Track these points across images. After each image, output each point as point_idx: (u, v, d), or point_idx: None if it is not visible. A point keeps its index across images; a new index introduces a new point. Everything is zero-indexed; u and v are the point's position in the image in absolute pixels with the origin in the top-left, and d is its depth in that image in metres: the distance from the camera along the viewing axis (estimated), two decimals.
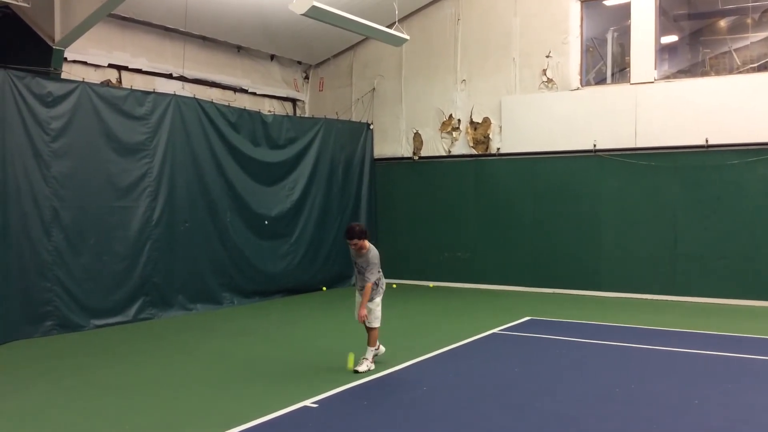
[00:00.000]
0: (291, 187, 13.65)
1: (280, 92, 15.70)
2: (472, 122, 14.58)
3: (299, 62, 16.10)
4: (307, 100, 16.45)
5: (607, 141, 13.15)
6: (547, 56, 13.77)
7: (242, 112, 12.82)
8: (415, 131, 15.27)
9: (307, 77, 16.44)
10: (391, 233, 15.40)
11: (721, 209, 12.28)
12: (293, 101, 16.24)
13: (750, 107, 12.02)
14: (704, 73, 13.51)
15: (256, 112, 13.22)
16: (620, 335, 9.52)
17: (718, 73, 13.31)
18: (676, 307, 11.91)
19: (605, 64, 14.27)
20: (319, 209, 14.15)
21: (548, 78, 13.79)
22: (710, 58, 14.00)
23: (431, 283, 14.82)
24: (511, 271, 14.07)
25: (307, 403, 6.25)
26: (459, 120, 14.75)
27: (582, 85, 13.63)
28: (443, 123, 14.92)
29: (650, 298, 12.69)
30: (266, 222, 13.02)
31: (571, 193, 13.53)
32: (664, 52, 13.92)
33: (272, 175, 13.25)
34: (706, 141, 12.31)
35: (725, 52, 13.85)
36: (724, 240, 12.23)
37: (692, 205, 12.51)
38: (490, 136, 14.38)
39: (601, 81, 14.19)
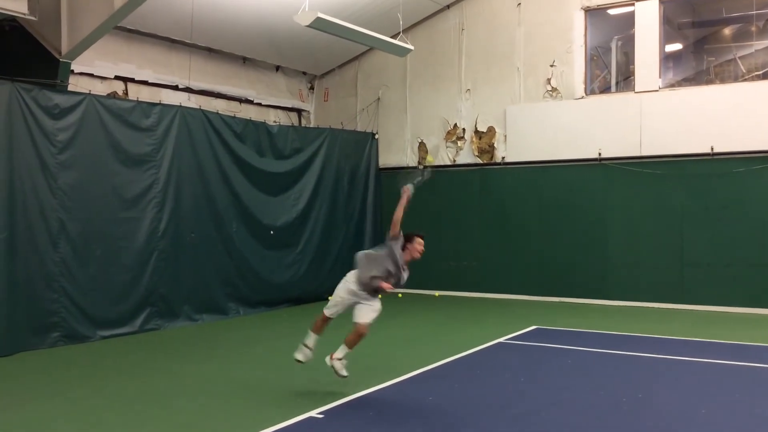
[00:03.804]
0: (296, 197, 13.68)
1: (285, 103, 15.75)
2: (476, 131, 14.60)
3: (304, 73, 16.17)
4: (312, 111, 16.50)
5: (612, 149, 13.13)
6: (552, 65, 13.79)
7: (248, 122, 12.87)
8: (420, 140, 15.30)
9: (312, 87, 16.50)
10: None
11: (728, 217, 12.24)
12: (298, 111, 16.30)
13: (755, 115, 12.00)
14: (709, 81, 13.51)
15: (261, 122, 13.27)
16: (627, 344, 9.49)
17: (722, 81, 13.30)
18: (683, 316, 11.87)
19: (609, 72, 14.28)
20: (324, 219, 14.17)
21: (552, 87, 13.81)
22: (715, 66, 14.00)
23: (437, 292, 14.80)
24: (517, 280, 14.04)
25: (313, 413, 6.25)
26: (464, 129, 14.77)
27: (586, 94, 13.64)
28: (448, 132, 14.95)
29: (657, 307, 12.65)
30: (272, 232, 13.04)
31: (576, 202, 13.52)
32: (668, 60, 13.94)
33: (278, 185, 13.27)
34: (712, 149, 12.29)
35: (730, 60, 13.85)
36: (731, 248, 12.19)
37: (698, 213, 12.47)
38: (495, 145, 14.39)
39: (605, 90, 14.20)
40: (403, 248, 7.02)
